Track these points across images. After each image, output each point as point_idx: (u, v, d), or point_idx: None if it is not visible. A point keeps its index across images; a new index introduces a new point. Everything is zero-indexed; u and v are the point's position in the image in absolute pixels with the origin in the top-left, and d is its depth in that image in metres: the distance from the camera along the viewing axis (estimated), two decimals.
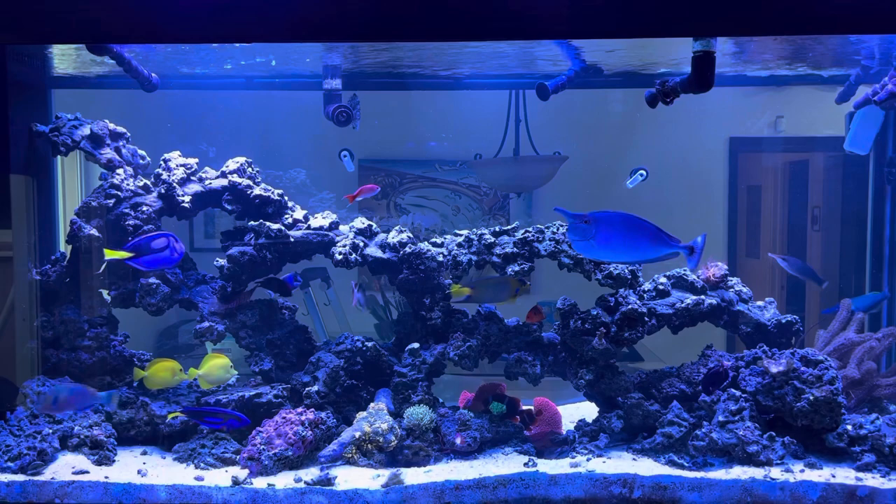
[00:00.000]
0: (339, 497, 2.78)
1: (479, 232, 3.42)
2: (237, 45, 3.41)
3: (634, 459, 3.03)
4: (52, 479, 2.85)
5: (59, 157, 3.75)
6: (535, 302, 4.64)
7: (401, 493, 2.79)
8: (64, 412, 3.08)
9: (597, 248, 2.86)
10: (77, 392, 2.98)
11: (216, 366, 3.25)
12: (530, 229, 3.36)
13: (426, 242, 3.49)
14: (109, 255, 3.18)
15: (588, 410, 3.49)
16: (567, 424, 3.27)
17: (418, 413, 3.10)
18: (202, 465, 2.99)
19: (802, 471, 2.87)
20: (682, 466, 2.92)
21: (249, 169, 3.65)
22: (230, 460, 3.02)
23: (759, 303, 3.52)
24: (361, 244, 3.45)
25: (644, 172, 4.04)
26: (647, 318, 3.23)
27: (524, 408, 3.27)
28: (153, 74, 3.61)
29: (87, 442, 3.08)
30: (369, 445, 3.01)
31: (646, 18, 2.63)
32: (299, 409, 3.14)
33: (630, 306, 3.19)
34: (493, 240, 3.37)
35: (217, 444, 3.07)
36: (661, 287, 3.41)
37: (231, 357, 3.62)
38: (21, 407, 3.15)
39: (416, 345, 3.34)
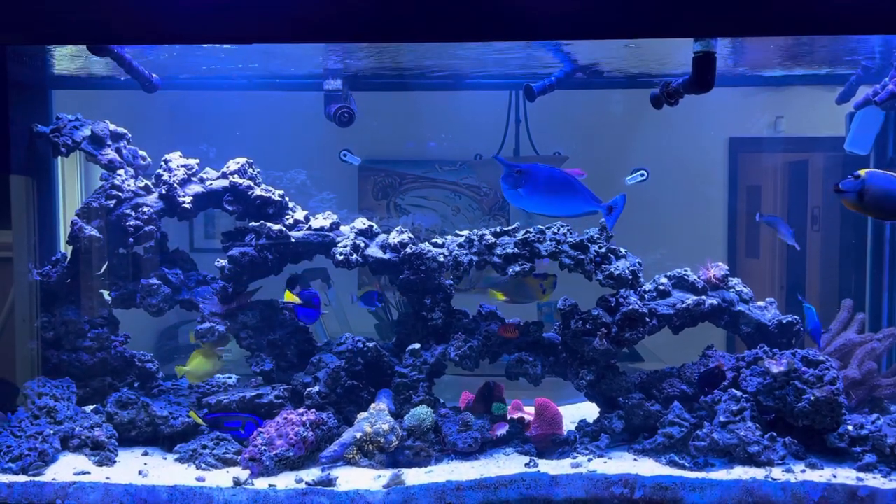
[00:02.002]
0: (340, 497, 2.77)
1: (480, 232, 3.41)
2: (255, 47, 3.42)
3: (636, 460, 3.03)
4: (53, 479, 2.84)
5: (59, 157, 3.75)
6: (536, 302, 4.64)
7: (402, 493, 2.79)
8: None
9: (524, 197, 2.96)
10: None
11: (203, 360, 3.26)
12: (531, 230, 3.36)
13: (427, 243, 3.49)
14: (288, 298, 3.34)
15: (589, 411, 3.49)
16: (568, 425, 3.27)
17: (419, 413, 3.10)
18: (203, 465, 2.99)
19: (804, 471, 2.87)
20: (683, 467, 2.92)
21: (250, 169, 3.65)
22: (231, 461, 3.01)
23: (760, 303, 3.52)
24: (362, 245, 3.45)
25: (644, 173, 4.04)
26: (647, 319, 3.23)
27: (517, 415, 3.29)
28: (154, 75, 3.61)
29: (88, 443, 3.08)
30: (370, 446, 3.01)
31: (645, 19, 2.64)
32: (300, 410, 3.14)
33: (631, 307, 3.19)
34: (493, 240, 3.37)
35: (218, 445, 3.06)
36: (661, 287, 3.42)
37: (232, 358, 3.63)
38: (22, 408, 3.15)
39: (416, 345, 3.34)
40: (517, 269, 3.27)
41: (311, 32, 2.72)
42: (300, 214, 3.58)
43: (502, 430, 3.17)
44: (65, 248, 3.70)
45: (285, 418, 3.06)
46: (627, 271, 3.26)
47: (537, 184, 2.96)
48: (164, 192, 3.54)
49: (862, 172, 2.71)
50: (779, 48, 3.49)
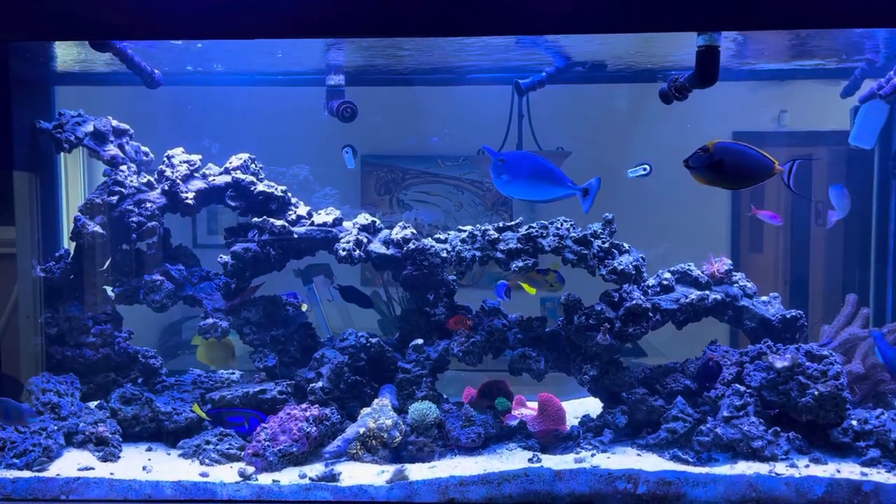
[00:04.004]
0: (343, 493, 2.78)
1: (483, 228, 3.41)
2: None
3: (639, 455, 3.03)
4: (58, 475, 2.85)
5: (62, 154, 3.75)
6: (539, 298, 4.65)
7: (405, 488, 2.79)
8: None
9: (508, 184, 3.06)
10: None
11: (218, 344, 3.27)
12: (534, 225, 3.36)
13: (430, 238, 3.49)
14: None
15: (592, 406, 3.49)
16: (571, 420, 3.27)
17: (422, 409, 3.10)
18: (207, 461, 2.99)
19: (807, 466, 2.87)
20: (686, 462, 2.92)
21: (253, 165, 3.65)
22: (235, 456, 3.02)
23: (764, 298, 3.51)
24: (365, 240, 3.45)
25: (648, 167, 4.03)
26: (651, 314, 3.22)
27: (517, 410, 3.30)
28: (156, 71, 3.60)
29: (93, 438, 3.08)
30: (374, 441, 3.01)
31: (648, 13, 2.63)
32: (303, 406, 3.14)
33: (634, 302, 3.19)
34: (496, 235, 3.37)
35: (222, 441, 3.07)
36: (665, 282, 3.41)
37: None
38: (26, 404, 3.15)
39: (419, 341, 3.35)
40: (520, 264, 3.27)
41: (313, 29, 2.73)
42: (303, 210, 3.58)
43: (515, 421, 3.19)
44: (68, 245, 3.70)
45: (289, 414, 3.06)
46: (631, 266, 3.25)
47: (518, 171, 3.05)
48: (166, 188, 3.54)
49: (709, 145, 2.72)
50: (783, 42, 3.47)
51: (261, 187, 3.55)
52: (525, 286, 3.31)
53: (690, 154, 2.73)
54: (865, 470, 2.84)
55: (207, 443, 3.06)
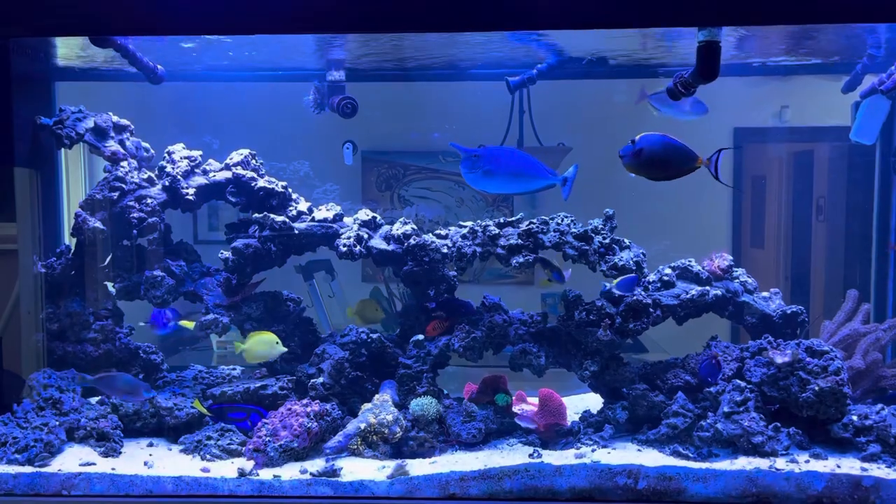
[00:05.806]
0: (344, 488, 2.78)
1: (484, 223, 3.41)
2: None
3: (639, 450, 3.03)
4: (59, 470, 2.86)
5: (62, 149, 3.74)
6: (539, 293, 4.65)
7: (406, 484, 2.79)
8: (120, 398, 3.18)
9: (483, 179, 3.05)
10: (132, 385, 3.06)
11: (261, 341, 3.25)
12: (535, 221, 3.36)
13: (430, 234, 3.49)
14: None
15: (593, 401, 3.49)
16: (572, 416, 3.27)
17: (423, 404, 3.11)
18: (208, 456, 3.00)
19: (807, 461, 2.87)
20: (686, 457, 2.92)
21: (253, 161, 3.65)
22: (236, 452, 3.02)
23: (765, 293, 3.51)
24: (366, 236, 3.45)
25: None
26: (651, 310, 3.22)
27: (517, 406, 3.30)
28: (159, 66, 3.60)
29: (94, 434, 3.09)
30: (374, 437, 3.02)
31: (648, 9, 2.63)
32: (304, 401, 3.14)
33: (635, 297, 3.19)
34: (497, 231, 3.37)
35: (223, 436, 3.07)
36: (666, 278, 3.41)
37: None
38: (27, 399, 3.16)
39: (420, 336, 3.35)
40: (521, 260, 3.27)
41: (312, 25, 2.73)
42: (303, 206, 3.58)
43: (527, 422, 3.18)
44: (69, 240, 3.70)
45: (290, 409, 3.07)
46: (631, 262, 3.25)
47: (495, 165, 3.03)
48: (167, 183, 3.54)
49: (637, 137, 2.78)
50: (784, 37, 3.46)
51: (261, 183, 3.55)
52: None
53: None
54: (866, 465, 2.84)
55: (209, 438, 3.07)
